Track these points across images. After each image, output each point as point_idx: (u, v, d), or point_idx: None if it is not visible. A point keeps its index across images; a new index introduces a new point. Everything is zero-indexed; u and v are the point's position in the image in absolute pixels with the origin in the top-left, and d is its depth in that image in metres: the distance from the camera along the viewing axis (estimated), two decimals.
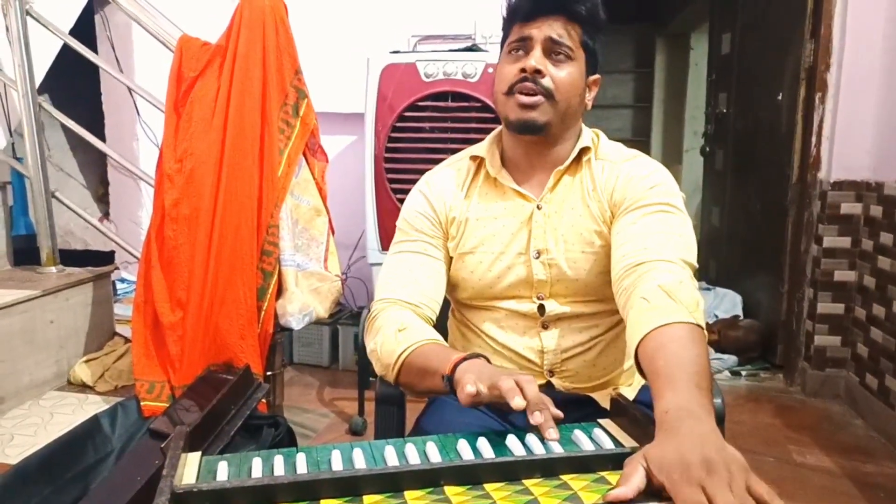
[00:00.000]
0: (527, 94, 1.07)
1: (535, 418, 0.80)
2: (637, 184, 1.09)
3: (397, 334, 1.04)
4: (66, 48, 2.35)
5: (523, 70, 1.07)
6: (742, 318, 3.29)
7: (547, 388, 1.15)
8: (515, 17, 1.10)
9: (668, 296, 0.91)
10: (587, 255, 1.11)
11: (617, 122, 6.41)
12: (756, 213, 3.40)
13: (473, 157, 1.19)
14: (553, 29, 1.07)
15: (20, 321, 1.94)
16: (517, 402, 0.79)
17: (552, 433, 0.79)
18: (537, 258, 1.12)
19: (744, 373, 3.02)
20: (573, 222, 1.12)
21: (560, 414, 0.83)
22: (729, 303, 3.43)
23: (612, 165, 1.13)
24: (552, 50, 1.07)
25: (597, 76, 1.15)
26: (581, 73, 1.10)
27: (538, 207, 1.13)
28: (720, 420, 0.99)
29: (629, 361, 1.18)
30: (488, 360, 0.95)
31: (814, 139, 2.67)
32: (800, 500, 1.97)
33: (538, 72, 1.06)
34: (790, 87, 2.90)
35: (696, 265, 1.03)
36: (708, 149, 4.24)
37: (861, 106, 2.55)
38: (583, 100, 1.13)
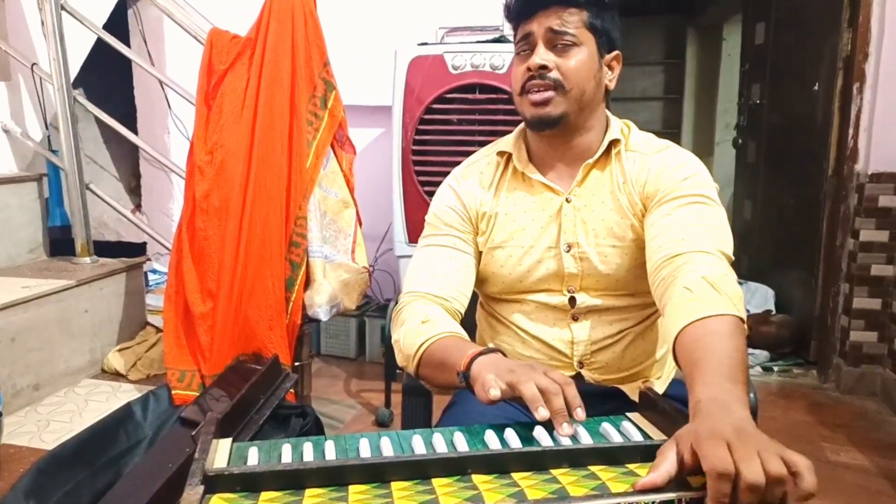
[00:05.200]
0: (537, 92, 1.07)
1: (541, 414, 0.79)
2: (670, 175, 1.07)
3: (420, 326, 1.03)
4: (99, 42, 2.39)
5: (529, 69, 1.07)
6: (774, 312, 3.23)
7: (576, 379, 1.14)
8: (515, 17, 1.10)
9: (713, 287, 0.90)
10: (618, 250, 1.10)
11: (646, 115, 6.32)
12: (789, 207, 3.33)
13: (501, 153, 1.18)
14: (552, 20, 1.06)
15: (56, 310, 1.98)
16: (541, 414, 0.78)
17: (565, 428, 0.78)
18: (568, 252, 1.11)
19: (776, 368, 2.97)
20: (603, 216, 1.11)
21: (582, 416, 0.81)
22: (761, 297, 3.37)
23: (643, 157, 1.11)
24: (554, 41, 1.06)
25: (615, 53, 1.12)
26: (591, 55, 1.08)
27: (567, 200, 1.12)
28: (753, 414, 0.98)
29: (660, 352, 1.17)
30: (504, 354, 0.94)
31: (851, 130, 2.61)
32: (833, 498, 1.93)
33: (543, 67, 1.06)
34: (827, 77, 2.83)
35: (733, 257, 1.01)
36: (740, 141, 4.16)
37: None
38: (600, 82, 1.11)
